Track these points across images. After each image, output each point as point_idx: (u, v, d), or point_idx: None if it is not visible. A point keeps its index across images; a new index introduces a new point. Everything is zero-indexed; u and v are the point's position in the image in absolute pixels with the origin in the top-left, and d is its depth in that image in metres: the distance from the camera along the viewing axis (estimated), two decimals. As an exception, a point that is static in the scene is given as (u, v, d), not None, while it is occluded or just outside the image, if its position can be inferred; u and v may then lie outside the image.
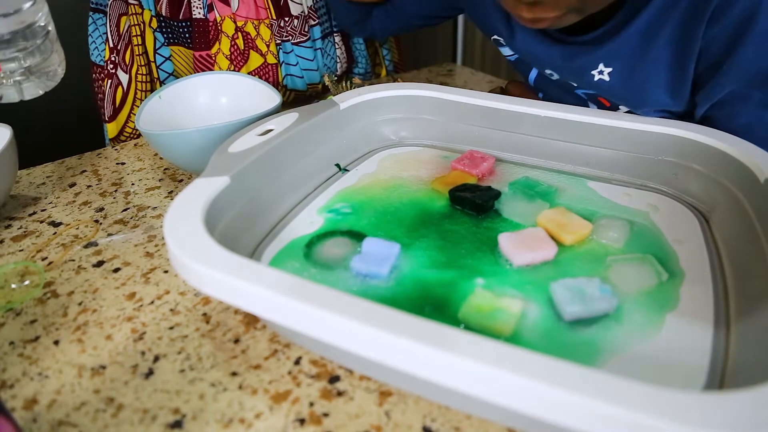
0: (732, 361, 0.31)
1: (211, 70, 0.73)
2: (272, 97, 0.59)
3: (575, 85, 0.59)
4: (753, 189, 0.40)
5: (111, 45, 0.75)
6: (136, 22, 0.72)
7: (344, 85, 0.71)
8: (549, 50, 0.57)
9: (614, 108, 0.59)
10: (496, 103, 0.53)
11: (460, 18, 1.88)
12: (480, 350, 0.25)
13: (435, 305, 0.36)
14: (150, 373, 0.36)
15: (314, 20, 0.76)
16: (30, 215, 0.54)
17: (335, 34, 0.80)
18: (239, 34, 0.72)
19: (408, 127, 0.58)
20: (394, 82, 0.74)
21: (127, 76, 0.74)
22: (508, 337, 0.33)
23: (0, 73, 0.41)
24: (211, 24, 0.71)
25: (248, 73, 0.74)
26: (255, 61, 0.73)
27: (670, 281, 0.38)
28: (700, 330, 0.34)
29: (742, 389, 0.23)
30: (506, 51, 0.65)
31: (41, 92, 0.44)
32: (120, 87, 0.75)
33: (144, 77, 0.74)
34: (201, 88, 0.63)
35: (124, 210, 0.54)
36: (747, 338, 0.32)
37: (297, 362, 0.36)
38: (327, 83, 0.72)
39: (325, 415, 0.33)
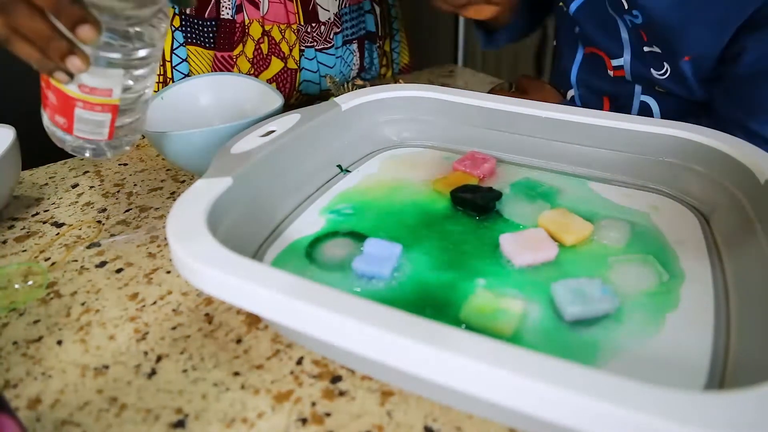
0: (732, 361, 0.31)
1: (230, 71, 0.73)
2: (274, 99, 0.59)
3: (626, 7, 0.56)
4: (753, 190, 0.40)
5: None
6: None
7: (346, 86, 0.71)
8: None
9: (648, 45, 0.56)
10: (497, 104, 0.54)
11: (461, 19, 1.88)
12: (481, 350, 0.25)
13: (436, 306, 0.36)
14: (153, 373, 0.36)
15: (338, 28, 0.76)
16: (33, 216, 0.54)
17: (353, 42, 0.80)
18: (265, 38, 0.72)
19: (409, 128, 0.58)
20: (395, 83, 0.74)
21: None
22: (509, 338, 0.33)
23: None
24: (238, 25, 0.70)
25: (267, 79, 0.74)
26: (275, 66, 0.73)
27: (670, 281, 0.38)
28: (701, 330, 0.34)
29: (742, 389, 0.23)
30: None
31: (127, 149, 0.46)
32: None
33: (158, 78, 0.74)
34: (203, 89, 0.63)
35: (127, 211, 0.54)
36: (747, 338, 0.32)
37: (299, 362, 0.36)
38: (329, 84, 0.72)
39: (327, 414, 0.33)
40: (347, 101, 0.54)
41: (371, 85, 0.60)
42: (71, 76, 0.38)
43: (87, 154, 0.44)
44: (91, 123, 0.41)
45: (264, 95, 0.61)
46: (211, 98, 0.64)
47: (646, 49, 0.57)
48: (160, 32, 0.39)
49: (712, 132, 0.46)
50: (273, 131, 0.47)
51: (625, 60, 0.60)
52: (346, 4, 0.77)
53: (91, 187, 0.59)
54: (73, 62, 0.37)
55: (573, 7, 0.64)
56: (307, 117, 0.50)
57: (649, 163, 0.49)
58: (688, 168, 0.47)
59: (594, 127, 0.50)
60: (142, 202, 0.56)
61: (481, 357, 0.25)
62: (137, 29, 0.38)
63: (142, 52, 0.39)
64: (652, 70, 0.58)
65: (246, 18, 0.70)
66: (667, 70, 0.57)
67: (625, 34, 0.59)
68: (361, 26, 0.82)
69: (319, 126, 0.50)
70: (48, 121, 0.43)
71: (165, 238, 0.50)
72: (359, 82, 0.74)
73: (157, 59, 0.41)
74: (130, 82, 0.40)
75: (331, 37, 0.76)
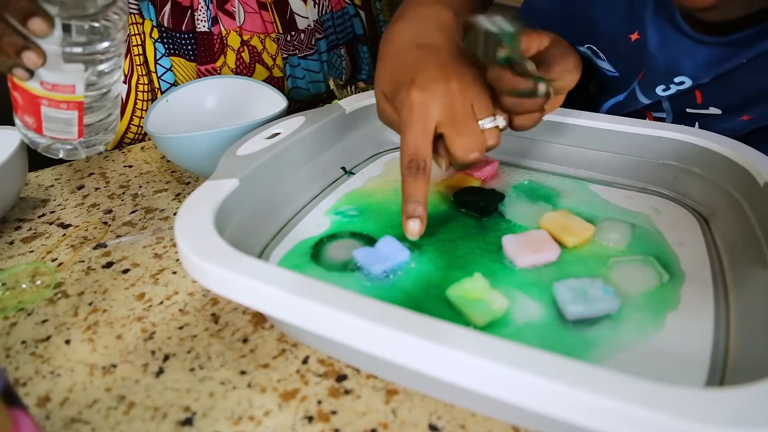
0: (732, 359, 0.32)
1: None
2: (278, 101, 0.60)
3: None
4: (753, 192, 0.41)
5: None
6: (136, 32, 0.72)
7: (349, 89, 0.71)
8: (693, 52, 0.48)
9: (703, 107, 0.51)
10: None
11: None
12: (485, 347, 0.26)
13: (440, 306, 0.37)
14: (160, 371, 0.36)
15: (320, 34, 0.77)
16: (39, 217, 0.55)
17: (341, 47, 0.81)
18: (245, 47, 0.72)
19: (412, 131, 0.59)
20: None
21: (126, 86, 0.74)
22: (481, 328, 0.34)
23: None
24: (215, 37, 0.71)
25: None
26: (260, 74, 0.74)
27: (671, 282, 0.38)
28: (701, 329, 0.34)
29: (742, 385, 0.24)
30: (605, 65, 0.56)
31: (102, 149, 0.47)
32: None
33: (145, 87, 0.74)
34: (208, 92, 0.64)
35: (132, 212, 0.55)
36: (747, 337, 0.33)
37: (305, 361, 0.37)
38: (332, 87, 0.73)
39: (333, 412, 0.33)
40: (351, 104, 0.54)
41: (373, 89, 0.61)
42: (31, 73, 0.39)
43: (60, 155, 0.44)
44: (59, 121, 0.42)
45: (268, 98, 0.62)
46: (216, 101, 0.64)
47: (690, 111, 0.53)
48: (116, 26, 0.40)
49: (711, 135, 0.46)
50: (278, 133, 0.48)
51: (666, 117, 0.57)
52: (326, 10, 0.77)
53: (97, 188, 0.60)
54: (29, 57, 0.37)
55: (605, 106, 0.59)
56: (312, 120, 0.50)
57: (649, 165, 0.50)
58: (688, 171, 0.48)
59: (595, 130, 0.51)
60: (148, 204, 0.56)
61: (484, 354, 0.25)
62: (93, 23, 0.38)
63: (100, 46, 0.39)
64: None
65: (222, 29, 0.71)
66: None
67: (666, 103, 0.55)
68: (349, 31, 0.81)
69: (324, 128, 0.51)
70: (20, 124, 0.44)
71: (171, 239, 0.50)
72: (362, 85, 0.74)
73: (119, 54, 0.42)
74: (94, 78, 0.41)
75: (313, 43, 0.76)
